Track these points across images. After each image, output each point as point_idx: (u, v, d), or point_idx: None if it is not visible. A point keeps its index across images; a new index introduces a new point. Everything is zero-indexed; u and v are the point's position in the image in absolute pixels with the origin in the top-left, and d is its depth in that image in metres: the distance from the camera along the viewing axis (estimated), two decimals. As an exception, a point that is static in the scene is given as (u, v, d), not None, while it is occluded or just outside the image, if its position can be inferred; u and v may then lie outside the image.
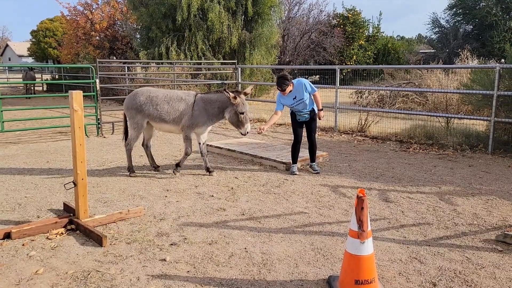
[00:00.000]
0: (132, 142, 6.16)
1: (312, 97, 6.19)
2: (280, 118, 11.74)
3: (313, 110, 6.23)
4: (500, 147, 7.65)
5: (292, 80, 6.03)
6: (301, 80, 6.07)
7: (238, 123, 5.87)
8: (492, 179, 5.97)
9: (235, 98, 5.75)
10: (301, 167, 6.60)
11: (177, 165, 6.12)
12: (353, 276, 2.90)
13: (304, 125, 6.30)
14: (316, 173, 6.26)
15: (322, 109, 6.32)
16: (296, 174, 6.22)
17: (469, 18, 27.82)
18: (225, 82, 14.42)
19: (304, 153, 7.08)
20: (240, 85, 12.88)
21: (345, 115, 10.93)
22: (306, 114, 6.17)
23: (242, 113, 5.81)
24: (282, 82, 5.93)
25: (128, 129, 6.22)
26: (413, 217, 4.50)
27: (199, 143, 6.18)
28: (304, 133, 6.34)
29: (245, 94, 5.95)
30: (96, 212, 4.51)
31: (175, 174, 6.05)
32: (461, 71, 11.89)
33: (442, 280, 3.18)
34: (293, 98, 6.05)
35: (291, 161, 6.37)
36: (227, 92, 5.76)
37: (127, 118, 6.20)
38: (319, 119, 6.36)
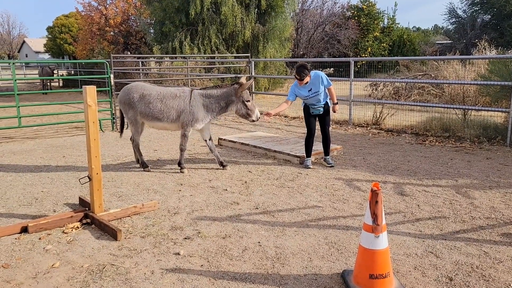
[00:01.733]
0: (135, 137, 6.18)
1: (327, 91, 6.13)
2: (294, 112, 11.73)
3: (327, 103, 6.17)
4: (519, 139, 7.48)
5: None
6: (318, 73, 5.99)
7: (247, 111, 5.97)
8: (511, 171, 5.85)
9: (241, 88, 5.86)
10: (315, 160, 6.55)
11: (179, 164, 6.11)
12: (368, 271, 2.87)
13: (317, 118, 6.24)
14: (330, 166, 6.21)
15: (337, 103, 6.27)
16: (310, 167, 6.17)
17: (487, 7, 27.22)
18: (239, 75, 14.41)
19: (317, 146, 7.03)
20: (253, 78, 12.82)
21: (360, 108, 10.83)
22: (320, 107, 6.10)
23: (249, 101, 5.93)
24: (301, 71, 5.85)
25: (128, 124, 6.26)
26: (429, 210, 4.44)
27: (205, 140, 6.23)
28: (318, 127, 6.29)
29: (241, 84, 5.93)
30: (111, 206, 4.55)
31: (183, 173, 6.01)
32: (478, 62, 11.65)
33: (458, 275, 3.13)
34: (309, 90, 5.98)
35: (304, 154, 6.34)
36: (236, 84, 5.94)
37: (123, 112, 6.21)
38: (334, 112, 6.31)
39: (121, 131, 6.61)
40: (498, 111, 8.00)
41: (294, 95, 6.11)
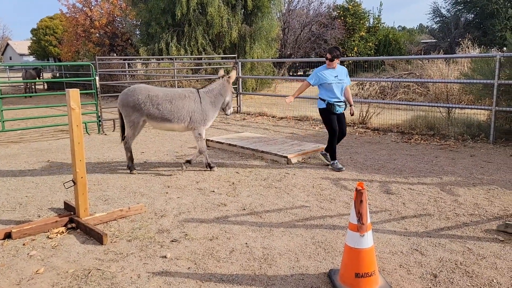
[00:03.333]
0: (130, 140, 6.05)
1: (345, 90, 6.11)
2: (282, 112, 11.76)
3: (345, 102, 6.08)
4: (502, 136, 7.61)
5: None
6: (345, 68, 6.09)
7: (230, 104, 6.31)
8: (494, 168, 5.94)
9: (229, 77, 6.17)
10: (303, 160, 6.58)
11: (188, 161, 6.14)
12: (353, 269, 2.89)
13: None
14: (327, 165, 6.23)
15: (352, 105, 6.27)
16: (343, 169, 6.01)
17: (470, 6, 27.61)
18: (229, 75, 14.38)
19: (305, 146, 7.07)
20: (240, 79, 12.83)
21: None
22: (343, 104, 5.98)
23: (233, 92, 6.22)
24: (333, 50, 5.84)
25: (125, 127, 6.08)
26: (414, 208, 4.49)
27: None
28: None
29: (229, 75, 6.23)
30: (97, 210, 4.51)
31: (214, 171, 6.07)
32: (462, 60, 11.82)
33: (443, 272, 3.17)
34: (335, 76, 5.89)
35: (329, 157, 6.18)
36: (224, 75, 6.20)
37: (123, 116, 6.02)
38: (351, 115, 6.34)
39: (123, 136, 6.21)
40: (481, 109, 8.12)
41: (317, 78, 5.93)
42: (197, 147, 6.14)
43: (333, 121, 6.01)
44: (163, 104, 5.81)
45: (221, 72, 6.32)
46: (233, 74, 6.27)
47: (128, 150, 6.10)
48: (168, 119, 5.85)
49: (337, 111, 5.95)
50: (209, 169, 6.15)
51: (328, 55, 5.85)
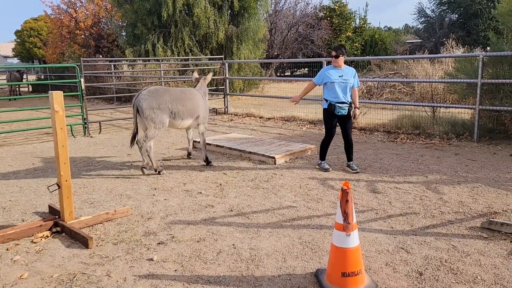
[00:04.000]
0: (151, 141, 5.92)
1: (352, 91, 5.92)
2: (269, 112, 11.77)
3: (350, 105, 5.85)
4: (486, 135, 7.72)
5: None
6: (352, 68, 5.95)
7: None
8: (478, 166, 6.02)
9: (205, 78, 6.68)
10: (290, 161, 6.60)
11: (207, 160, 6.43)
12: (340, 269, 2.90)
13: (338, 122, 5.94)
14: (356, 172, 5.86)
15: (358, 107, 6.05)
16: (329, 170, 5.98)
17: (454, 7, 27.99)
18: (213, 77, 14.34)
19: (292, 146, 7.09)
20: (227, 80, 12.81)
21: (333, 107, 10.93)
22: (346, 106, 5.75)
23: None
24: (339, 48, 5.77)
25: (148, 129, 5.90)
26: (400, 207, 4.53)
27: (189, 139, 6.81)
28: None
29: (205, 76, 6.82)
30: (82, 214, 4.47)
31: (213, 165, 6.40)
32: (446, 60, 11.96)
33: (428, 269, 3.21)
34: (339, 76, 5.75)
35: (319, 157, 6.15)
36: (201, 76, 6.76)
37: (147, 118, 5.83)
38: (354, 118, 6.04)
39: (132, 141, 6.09)
40: (465, 108, 8.23)
41: (320, 77, 5.87)
42: (200, 142, 6.59)
43: (330, 122, 5.90)
44: (185, 101, 6.13)
45: (195, 74, 6.82)
46: (209, 76, 6.72)
47: (147, 150, 5.91)
48: (188, 116, 6.21)
49: (338, 112, 5.76)
50: (206, 163, 6.42)
51: (334, 53, 5.77)
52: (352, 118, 5.98)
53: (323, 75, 5.84)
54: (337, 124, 6.00)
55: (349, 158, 6.04)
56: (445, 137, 7.91)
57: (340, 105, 5.74)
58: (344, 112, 5.78)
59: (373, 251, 3.53)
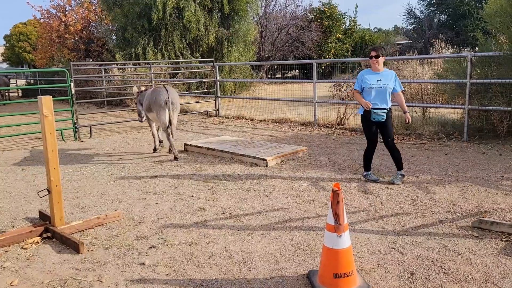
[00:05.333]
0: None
1: (395, 96, 5.42)
2: (260, 115, 11.78)
3: (390, 110, 5.39)
4: (475, 134, 7.79)
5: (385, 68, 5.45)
6: (393, 71, 5.45)
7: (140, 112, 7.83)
8: (468, 166, 6.08)
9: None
10: (281, 163, 6.60)
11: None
12: (332, 270, 2.91)
13: (378, 128, 5.47)
14: (395, 183, 5.35)
15: (407, 111, 5.49)
16: (378, 180, 5.51)
17: (443, 8, 28.23)
18: (204, 80, 14.35)
19: (284, 148, 7.10)
20: (218, 83, 12.80)
21: (325, 108, 10.97)
22: (383, 112, 5.29)
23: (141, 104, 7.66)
24: (379, 48, 5.35)
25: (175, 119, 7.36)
26: (392, 207, 4.55)
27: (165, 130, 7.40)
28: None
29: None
30: (73, 219, 4.43)
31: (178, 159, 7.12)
32: (436, 61, 12.04)
33: (419, 269, 3.22)
34: (378, 80, 5.29)
35: (363, 168, 5.67)
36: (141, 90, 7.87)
37: (177, 111, 7.35)
38: (406, 123, 5.61)
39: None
40: (454, 108, 8.30)
41: (358, 82, 5.41)
42: (173, 133, 7.31)
43: (369, 129, 5.45)
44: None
45: (135, 89, 8.03)
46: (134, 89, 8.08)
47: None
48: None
49: (374, 118, 5.31)
50: (174, 158, 7.11)
51: (373, 53, 5.29)
52: (405, 124, 5.46)
53: (360, 80, 5.39)
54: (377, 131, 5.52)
55: (397, 167, 5.49)
56: (435, 137, 7.97)
57: (376, 111, 5.29)
58: (381, 118, 5.31)
59: (365, 252, 3.54)
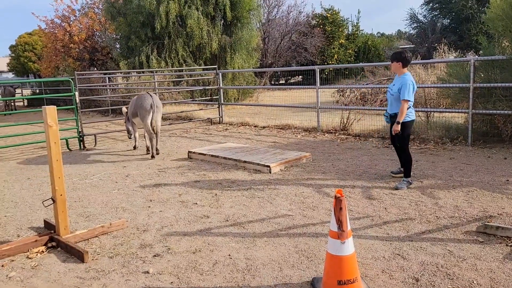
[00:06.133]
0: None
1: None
2: (264, 121, 11.80)
3: (395, 115, 5.36)
4: (480, 139, 7.76)
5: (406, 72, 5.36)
6: (407, 77, 5.23)
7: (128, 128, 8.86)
8: (473, 170, 6.05)
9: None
10: (285, 169, 6.60)
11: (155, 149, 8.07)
12: (336, 277, 2.90)
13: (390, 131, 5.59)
14: (395, 188, 5.35)
15: (399, 122, 5.24)
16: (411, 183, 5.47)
17: (445, 12, 28.25)
18: (207, 87, 14.40)
19: (287, 155, 7.10)
20: (221, 90, 12.85)
21: (328, 114, 10.99)
22: (387, 114, 5.57)
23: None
24: (394, 53, 5.40)
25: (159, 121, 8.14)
26: (396, 213, 4.53)
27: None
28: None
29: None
30: (78, 227, 4.45)
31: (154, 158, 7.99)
32: (439, 65, 12.03)
33: (424, 275, 3.21)
34: (392, 85, 5.43)
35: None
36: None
37: (160, 113, 8.10)
38: (393, 133, 5.37)
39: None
40: (458, 112, 8.27)
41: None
42: (158, 133, 8.11)
43: (390, 132, 5.62)
44: None
45: (124, 109, 8.88)
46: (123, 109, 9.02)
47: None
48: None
49: (386, 121, 5.71)
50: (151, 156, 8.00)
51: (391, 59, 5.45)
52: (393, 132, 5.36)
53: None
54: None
55: (404, 174, 5.54)
56: (439, 142, 7.94)
57: (385, 114, 5.67)
58: (386, 119, 5.69)
59: (369, 258, 3.53)
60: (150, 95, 7.94)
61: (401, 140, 5.44)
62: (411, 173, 5.53)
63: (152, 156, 7.95)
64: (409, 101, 5.17)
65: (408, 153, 5.48)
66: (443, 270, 3.27)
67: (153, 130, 7.88)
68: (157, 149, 8.16)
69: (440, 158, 6.85)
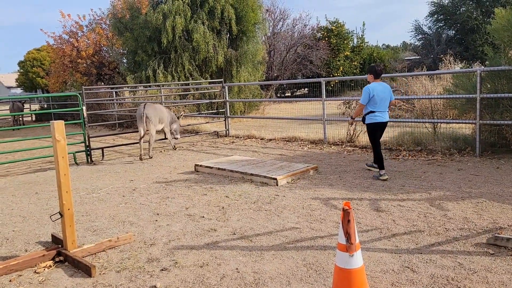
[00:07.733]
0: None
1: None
2: (270, 133, 11.81)
3: (364, 118, 6.58)
4: (488, 149, 7.71)
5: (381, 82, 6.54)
6: (371, 86, 6.39)
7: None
8: (481, 181, 5.99)
9: None
10: (292, 181, 6.58)
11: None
12: (345, 291, 2.86)
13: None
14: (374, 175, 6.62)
15: (353, 119, 7.09)
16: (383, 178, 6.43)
17: (450, 23, 28.28)
18: (213, 101, 14.47)
19: (293, 167, 7.08)
20: (227, 103, 12.90)
21: (335, 126, 10.98)
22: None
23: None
24: (373, 67, 6.54)
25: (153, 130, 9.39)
26: (405, 225, 4.49)
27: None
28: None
29: None
30: (85, 242, 4.45)
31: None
32: (445, 76, 12.02)
33: (435, 288, 3.16)
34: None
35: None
36: None
37: (152, 123, 9.31)
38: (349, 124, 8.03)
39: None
40: (465, 123, 8.23)
41: None
42: (151, 141, 9.48)
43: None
44: None
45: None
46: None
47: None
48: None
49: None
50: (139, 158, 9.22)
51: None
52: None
53: None
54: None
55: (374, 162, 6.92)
56: (447, 153, 7.89)
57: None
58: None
59: (378, 271, 3.49)
60: (144, 106, 9.14)
61: (369, 139, 6.74)
62: (384, 168, 6.54)
63: (140, 158, 9.29)
64: (363, 104, 6.41)
65: (377, 151, 6.59)
66: (453, 283, 3.22)
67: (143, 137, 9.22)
68: (142, 156, 9.31)
69: (448, 169, 6.80)
